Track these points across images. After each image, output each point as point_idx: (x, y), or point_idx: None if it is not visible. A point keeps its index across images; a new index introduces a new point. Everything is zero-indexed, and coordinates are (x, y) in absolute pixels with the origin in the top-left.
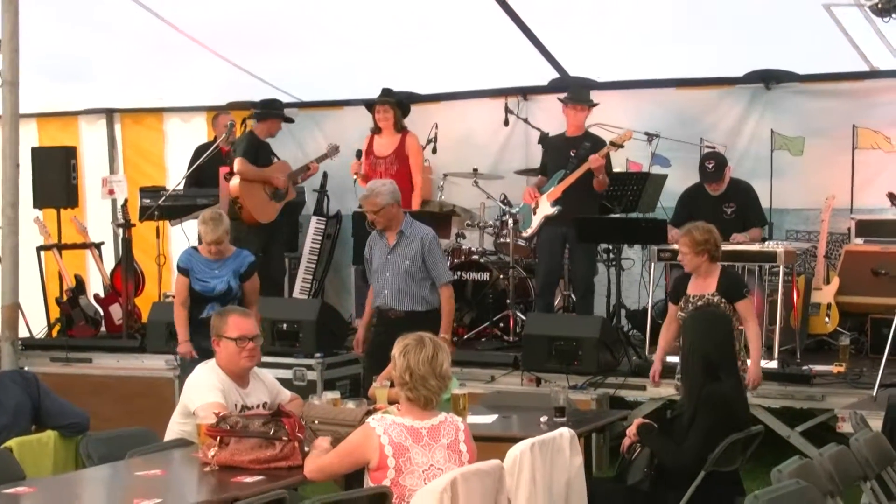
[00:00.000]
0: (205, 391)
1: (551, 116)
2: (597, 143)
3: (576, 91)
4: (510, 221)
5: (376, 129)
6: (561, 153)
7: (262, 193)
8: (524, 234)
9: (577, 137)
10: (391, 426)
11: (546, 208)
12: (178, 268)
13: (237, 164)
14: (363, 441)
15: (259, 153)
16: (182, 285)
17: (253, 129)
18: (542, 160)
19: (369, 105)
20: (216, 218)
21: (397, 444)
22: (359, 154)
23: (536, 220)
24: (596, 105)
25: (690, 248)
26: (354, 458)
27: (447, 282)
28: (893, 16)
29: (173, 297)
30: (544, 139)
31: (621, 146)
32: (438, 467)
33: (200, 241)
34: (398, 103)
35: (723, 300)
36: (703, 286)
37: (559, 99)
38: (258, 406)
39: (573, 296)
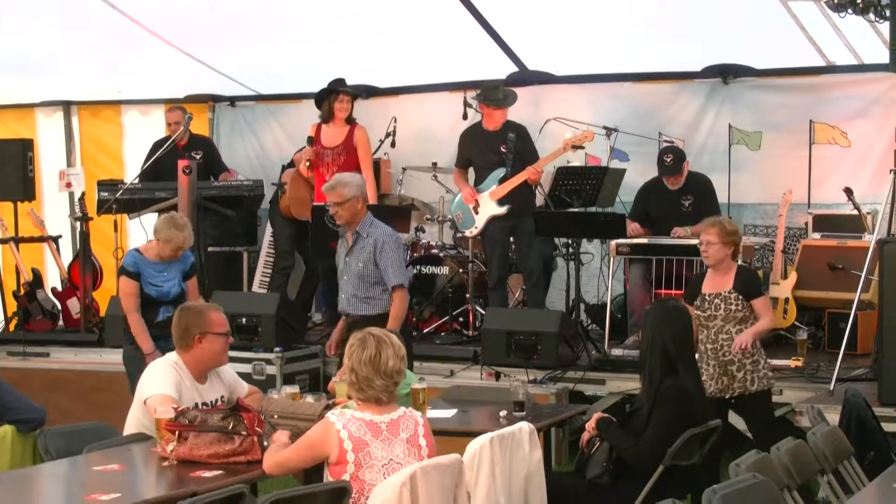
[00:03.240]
0: (158, 385)
1: (510, 110)
2: (520, 132)
3: (494, 91)
4: None
5: (327, 119)
6: (489, 146)
7: (307, 192)
8: (467, 234)
9: (500, 130)
10: (350, 421)
11: (493, 208)
12: (127, 272)
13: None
14: (322, 436)
15: None
16: (135, 290)
17: None
18: (462, 153)
19: (325, 93)
20: (188, 223)
21: (357, 438)
22: (310, 141)
23: (481, 220)
24: (515, 101)
25: (720, 237)
26: (314, 452)
27: (397, 284)
28: (849, 11)
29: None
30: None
31: (581, 147)
32: (398, 462)
33: (194, 250)
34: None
35: (739, 297)
36: (720, 284)
37: (475, 97)
38: (216, 401)
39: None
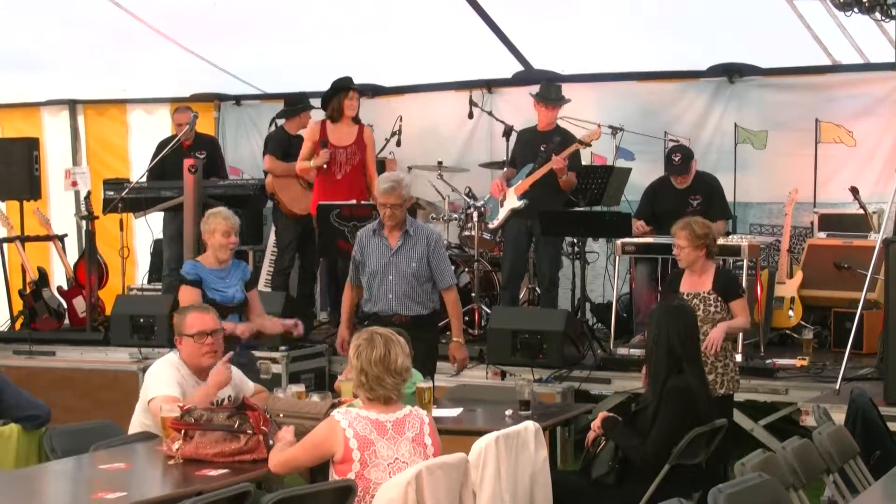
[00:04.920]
0: (162, 385)
1: (515, 109)
2: (567, 138)
3: (547, 90)
4: (475, 214)
5: (335, 118)
6: (531, 147)
7: (297, 186)
8: (490, 226)
9: (548, 132)
10: (356, 419)
11: (513, 201)
12: (186, 279)
13: (265, 161)
14: (328, 434)
15: (291, 148)
16: (196, 298)
17: (283, 125)
18: (512, 153)
19: (333, 91)
20: (220, 209)
21: (362, 437)
22: (324, 144)
23: (503, 213)
24: (568, 101)
25: (689, 241)
26: (319, 451)
27: (452, 284)
28: (855, 10)
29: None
30: (509, 132)
31: (589, 145)
32: (403, 461)
33: (201, 250)
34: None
35: (718, 298)
36: (698, 283)
37: (531, 94)
38: (221, 401)
39: (538, 289)
